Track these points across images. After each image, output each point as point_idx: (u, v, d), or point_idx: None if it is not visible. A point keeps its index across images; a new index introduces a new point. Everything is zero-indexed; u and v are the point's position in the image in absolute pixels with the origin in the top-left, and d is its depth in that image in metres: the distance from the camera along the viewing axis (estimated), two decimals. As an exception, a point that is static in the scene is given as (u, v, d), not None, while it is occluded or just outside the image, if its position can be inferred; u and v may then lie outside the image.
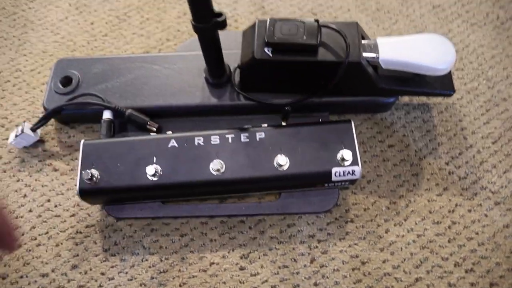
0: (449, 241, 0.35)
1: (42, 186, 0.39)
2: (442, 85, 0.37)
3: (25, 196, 0.38)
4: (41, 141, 0.41)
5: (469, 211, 0.36)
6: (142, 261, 0.35)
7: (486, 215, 0.36)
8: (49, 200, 0.38)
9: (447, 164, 0.38)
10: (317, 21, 0.34)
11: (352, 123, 0.35)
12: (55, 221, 0.37)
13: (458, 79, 0.43)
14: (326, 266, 0.34)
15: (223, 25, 0.31)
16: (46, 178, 0.39)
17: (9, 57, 0.47)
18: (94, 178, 0.33)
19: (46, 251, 0.36)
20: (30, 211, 0.38)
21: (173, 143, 0.35)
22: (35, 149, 0.41)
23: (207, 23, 0.30)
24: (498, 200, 0.36)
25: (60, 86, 0.41)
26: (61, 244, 0.36)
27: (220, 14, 0.30)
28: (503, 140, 0.39)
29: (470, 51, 0.45)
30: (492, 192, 0.37)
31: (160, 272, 0.35)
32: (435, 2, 0.49)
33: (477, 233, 0.35)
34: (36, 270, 0.35)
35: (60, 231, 0.37)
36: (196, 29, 0.31)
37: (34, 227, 0.37)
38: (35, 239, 0.36)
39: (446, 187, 0.37)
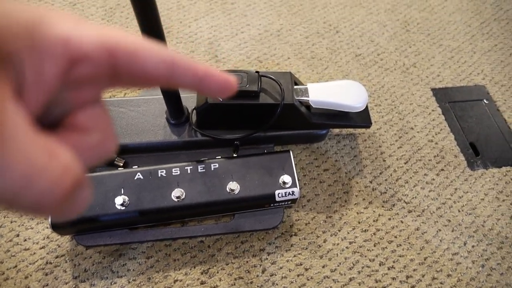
0: (374, 245, 0.42)
1: (11, 222, 0.41)
2: (362, 119, 0.47)
3: (-6, 233, 0.41)
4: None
5: (389, 219, 0.44)
6: (111, 284, 0.38)
7: (402, 221, 0.44)
8: (18, 235, 0.41)
9: (370, 182, 0.47)
10: (257, 72, 0.42)
11: (291, 152, 0.42)
12: (24, 255, 0.40)
13: (377, 113, 0.53)
14: (275, 275, 0.40)
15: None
16: (15, 214, 0.42)
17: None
18: (65, 211, 0.37)
19: (15, 284, 0.38)
20: (-1, 246, 0.40)
21: (139, 175, 0.40)
22: (5, 188, 0.43)
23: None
24: (410, 209, 0.45)
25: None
26: (30, 276, 0.39)
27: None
28: (412, 161, 0.49)
29: (385, 90, 0.56)
30: (406, 202, 0.45)
31: (128, 294, 0.38)
32: (358, 52, 0.60)
33: (395, 237, 0.43)
34: (5, 302, 0.37)
35: (29, 264, 0.39)
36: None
37: (2, 262, 0.39)
38: (3, 273, 0.39)
39: (371, 201, 0.45)
